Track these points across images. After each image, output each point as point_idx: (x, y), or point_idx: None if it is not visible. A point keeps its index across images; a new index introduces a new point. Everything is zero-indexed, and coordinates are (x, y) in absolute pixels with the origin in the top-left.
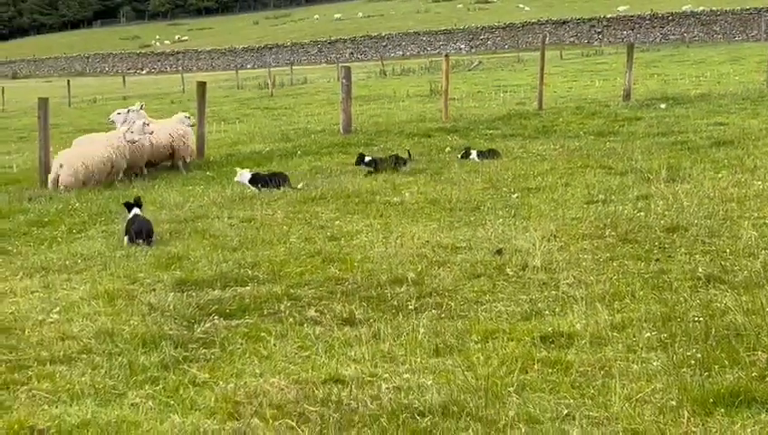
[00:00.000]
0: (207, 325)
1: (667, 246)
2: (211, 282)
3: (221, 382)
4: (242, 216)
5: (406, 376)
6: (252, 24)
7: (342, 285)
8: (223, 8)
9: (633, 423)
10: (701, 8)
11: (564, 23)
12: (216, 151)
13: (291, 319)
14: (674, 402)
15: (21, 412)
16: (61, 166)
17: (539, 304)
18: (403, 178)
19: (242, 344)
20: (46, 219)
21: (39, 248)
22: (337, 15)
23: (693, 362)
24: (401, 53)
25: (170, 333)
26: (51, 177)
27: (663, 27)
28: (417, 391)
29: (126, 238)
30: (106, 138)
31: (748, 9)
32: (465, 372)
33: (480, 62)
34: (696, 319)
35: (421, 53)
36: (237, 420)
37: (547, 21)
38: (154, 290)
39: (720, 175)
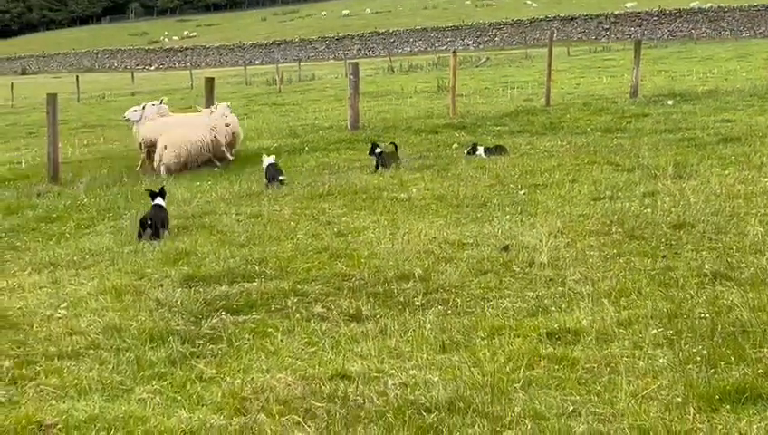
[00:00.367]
0: (215, 321)
1: (673, 242)
2: (218, 278)
3: (228, 378)
4: (249, 212)
5: (412, 372)
6: (260, 21)
7: (349, 281)
8: (231, 4)
9: (639, 420)
10: (709, 5)
11: (572, 19)
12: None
13: (298, 315)
14: (680, 399)
15: (29, 407)
16: (165, 147)
17: (545, 301)
18: (410, 175)
19: (249, 340)
20: (55, 215)
21: (47, 244)
22: (345, 12)
23: (699, 358)
24: (409, 49)
25: (177, 328)
26: (155, 158)
27: (671, 24)
28: (424, 387)
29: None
30: (203, 121)
31: (756, 6)
32: (472, 369)
33: (488, 59)
34: (703, 316)
35: (429, 49)
36: (244, 415)
37: (555, 17)
38: (161, 286)
39: (727, 172)
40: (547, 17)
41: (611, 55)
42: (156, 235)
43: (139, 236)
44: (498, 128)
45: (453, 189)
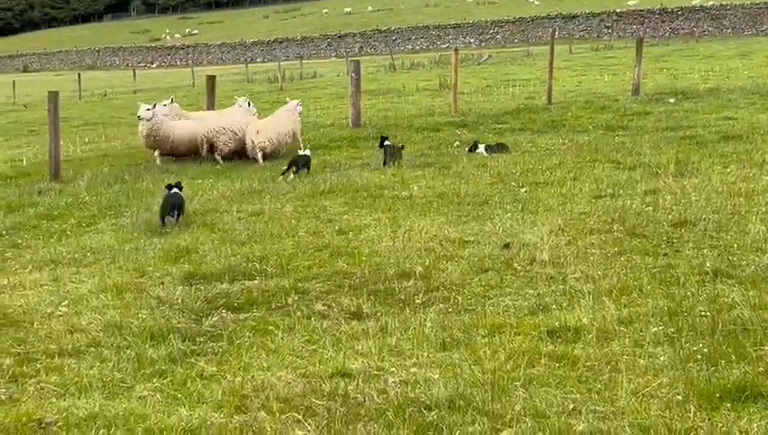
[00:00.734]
0: (215, 319)
1: (674, 240)
2: (219, 275)
3: (228, 376)
4: (250, 209)
5: (413, 370)
6: (262, 18)
7: (350, 279)
8: (233, 2)
9: (639, 418)
10: (711, 3)
11: (574, 17)
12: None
13: (298, 313)
14: (680, 397)
15: (29, 405)
16: (257, 132)
17: (546, 299)
18: (411, 173)
19: (249, 338)
20: (56, 213)
21: (48, 241)
22: (347, 9)
23: (699, 356)
24: (410, 47)
25: (178, 326)
26: (248, 144)
27: (672, 22)
28: (424, 385)
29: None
30: (288, 110)
31: (758, 3)
32: (472, 367)
33: (490, 56)
34: (703, 314)
35: (430, 47)
36: (244, 413)
37: (557, 15)
38: (162, 283)
39: (728, 169)
40: (549, 15)
41: (613, 53)
42: (179, 215)
43: (162, 218)
44: (500, 126)
45: (454, 187)
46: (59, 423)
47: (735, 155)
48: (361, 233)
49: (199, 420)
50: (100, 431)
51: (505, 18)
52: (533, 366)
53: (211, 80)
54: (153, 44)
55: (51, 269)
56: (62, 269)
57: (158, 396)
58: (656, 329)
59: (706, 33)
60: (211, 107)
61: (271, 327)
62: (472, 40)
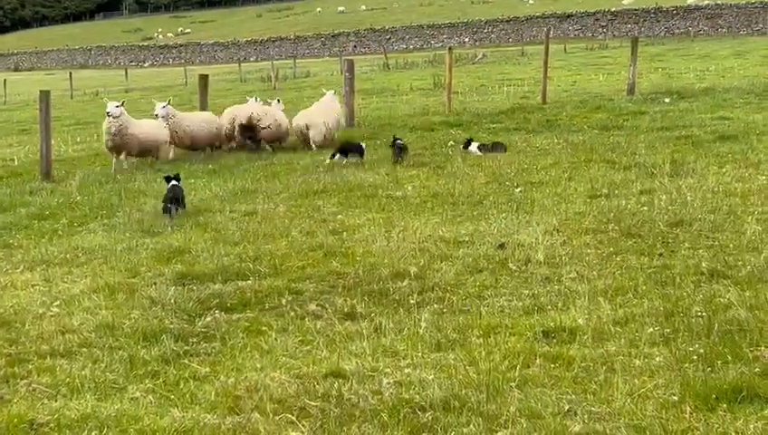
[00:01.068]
0: (208, 319)
1: (670, 240)
2: (212, 276)
3: (221, 377)
4: (243, 209)
5: (407, 371)
6: (255, 17)
7: (344, 280)
8: (226, 1)
9: (635, 419)
10: (706, 2)
11: (569, 16)
12: None
13: (292, 313)
14: (676, 398)
15: (20, 406)
16: (307, 127)
17: (541, 299)
18: (406, 172)
19: (243, 339)
20: (47, 212)
21: (40, 241)
22: (340, 8)
23: (695, 357)
24: (405, 46)
25: (171, 326)
26: (295, 132)
27: (668, 21)
28: (419, 386)
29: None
30: (332, 101)
31: (753, 3)
32: (467, 367)
33: (484, 55)
34: (699, 314)
35: (425, 46)
36: (238, 414)
37: (551, 15)
38: (155, 284)
39: (724, 169)
40: (543, 14)
41: (608, 53)
42: (181, 206)
43: (167, 211)
44: (494, 125)
45: (449, 187)
46: (50, 425)
47: (731, 155)
48: (355, 233)
49: (192, 421)
50: (93, 433)
51: (500, 17)
52: (529, 367)
53: (204, 79)
54: (145, 43)
55: (42, 269)
56: (53, 269)
57: (150, 397)
58: (651, 329)
59: (702, 32)
60: (204, 106)
61: (264, 328)
62: (466, 39)
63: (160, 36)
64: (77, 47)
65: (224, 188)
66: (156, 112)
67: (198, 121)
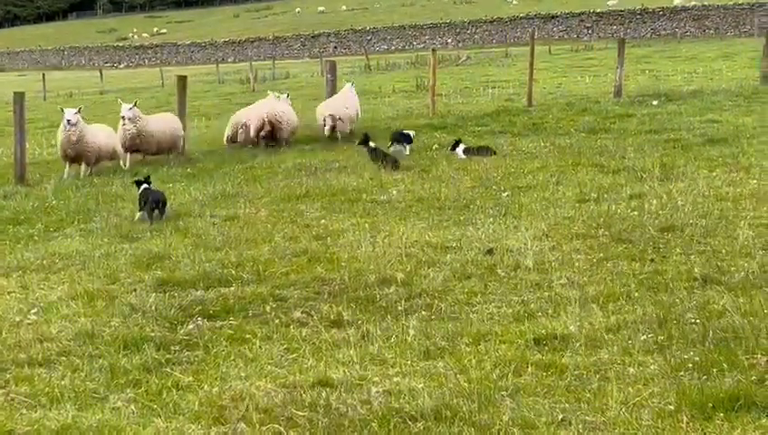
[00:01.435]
0: (191, 327)
1: (661, 246)
2: (194, 282)
3: (205, 386)
4: (224, 214)
5: (396, 379)
6: (232, 17)
7: (329, 286)
8: (202, 0)
9: (630, 428)
10: (692, 3)
11: (553, 17)
12: (197, 147)
13: (276, 320)
14: (672, 407)
15: None
16: (330, 115)
17: (531, 306)
18: (390, 176)
19: (226, 346)
20: (22, 217)
21: (15, 247)
22: (320, 8)
23: (690, 365)
24: (386, 47)
25: (152, 334)
26: (321, 123)
27: (654, 22)
28: (409, 395)
29: (139, 213)
30: (351, 92)
31: (740, 4)
32: (458, 376)
33: (468, 57)
34: (693, 321)
35: (407, 47)
36: (223, 424)
37: (535, 15)
38: (135, 290)
39: (714, 174)
40: (528, 15)
41: (593, 54)
42: (162, 211)
43: (149, 215)
44: (479, 128)
45: (434, 191)
46: None
47: (721, 159)
48: (340, 238)
49: (176, 431)
50: None
51: (483, 18)
52: (520, 375)
53: (182, 80)
54: (120, 44)
55: (18, 276)
56: (30, 276)
57: (132, 407)
58: (645, 337)
59: (689, 33)
60: (182, 108)
61: (248, 335)
62: (449, 40)
63: (135, 36)
64: (50, 48)
65: (203, 192)
66: (123, 114)
67: (163, 125)
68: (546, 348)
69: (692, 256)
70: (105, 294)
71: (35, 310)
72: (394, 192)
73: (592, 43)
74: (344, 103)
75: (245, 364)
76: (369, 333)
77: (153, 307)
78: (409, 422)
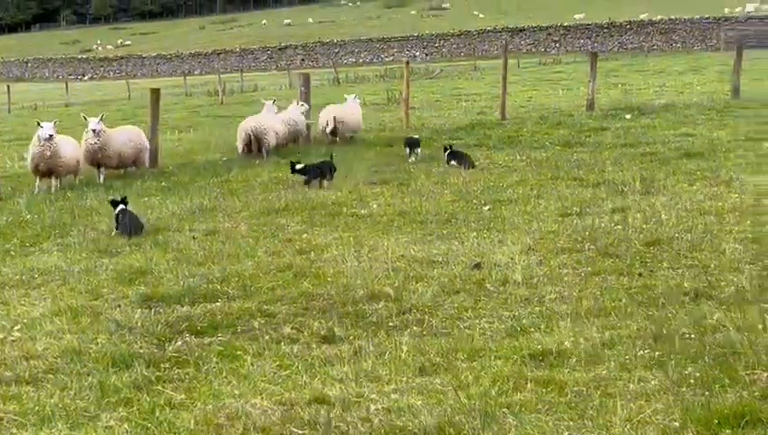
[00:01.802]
0: (179, 344)
1: (648, 260)
2: (178, 298)
3: (199, 404)
4: (204, 228)
5: (393, 396)
6: (198, 29)
7: (317, 301)
8: (167, 12)
9: None
10: (659, 17)
11: (521, 30)
12: (171, 161)
13: (267, 337)
14: (677, 423)
15: None
16: (335, 118)
17: (523, 321)
18: (369, 190)
19: (217, 363)
20: None
21: None
22: (286, 21)
23: (692, 380)
24: (354, 60)
25: (141, 351)
26: (323, 125)
27: (621, 36)
28: (409, 413)
29: (116, 230)
30: (356, 103)
31: (707, 18)
32: (457, 392)
33: (441, 71)
34: (689, 336)
35: (375, 60)
36: None
37: (503, 29)
38: (119, 306)
39: (694, 187)
40: (495, 28)
41: (561, 68)
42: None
43: (127, 232)
44: (454, 142)
45: (415, 205)
46: None
47: (700, 172)
48: (324, 253)
49: None
50: None
51: (451, 31)
52: (520, 392)
53: (155, 93)
54: (84, 56)
55: None
56: (9, 292)
57: (125, 426)
58: (642, 352)
59: (656, 47)
60: (155, 121)
61: (239, 352)
62: (417, 53)
63: (100, 48)
64: (13, 59)
65: (180, 205)
66: (92, 127)
67: (125, 138)
68: (543, 364)
69: (680, 271)
70: (89, 311)
71: (19, 327)
72: (374, 206)
73: (560, 57)
74: (350, 111)
75: (238, 381)
76: (362, 350)
77: (139, 323)
78: None
